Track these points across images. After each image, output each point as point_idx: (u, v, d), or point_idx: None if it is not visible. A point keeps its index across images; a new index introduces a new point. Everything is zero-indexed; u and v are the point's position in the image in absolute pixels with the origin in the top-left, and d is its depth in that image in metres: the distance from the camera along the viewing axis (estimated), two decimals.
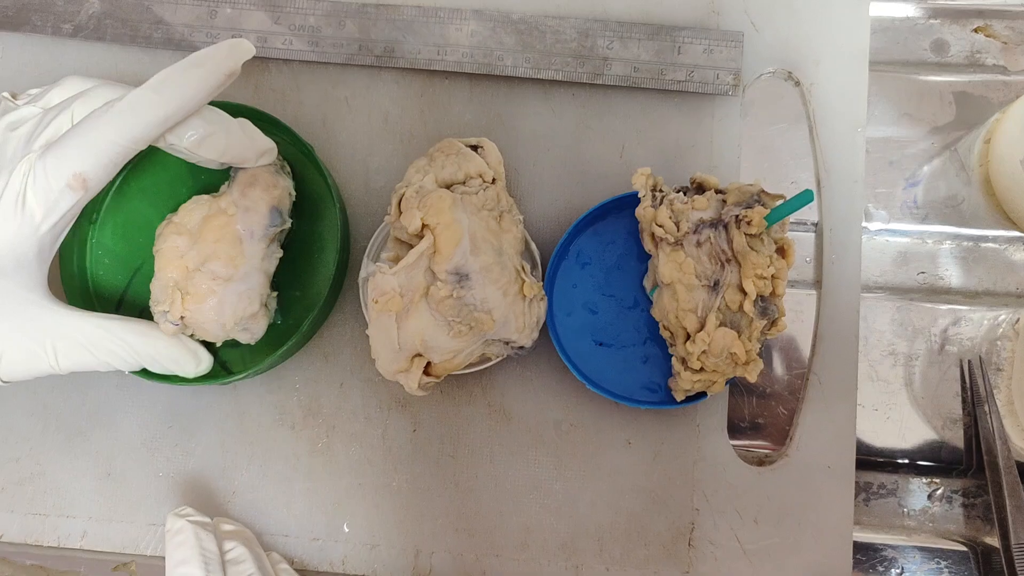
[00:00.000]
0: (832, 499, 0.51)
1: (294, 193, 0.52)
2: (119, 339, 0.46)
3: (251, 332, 0.50)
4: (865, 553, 0.52)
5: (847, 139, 0.53)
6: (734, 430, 0.54)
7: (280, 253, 0.51)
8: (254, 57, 0.55)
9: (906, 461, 0.54)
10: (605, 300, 0.52)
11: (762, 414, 0.54)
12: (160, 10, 0.56)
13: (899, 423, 0.54)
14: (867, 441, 0.54)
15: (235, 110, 0.54)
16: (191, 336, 0.50)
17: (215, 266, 0.48)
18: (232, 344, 0.51)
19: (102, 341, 0.46)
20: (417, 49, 0.54)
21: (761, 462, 0.52)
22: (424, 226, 0.47)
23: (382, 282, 0.47)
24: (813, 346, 0.52)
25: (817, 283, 0.53)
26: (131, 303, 0.54)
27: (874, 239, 0.56)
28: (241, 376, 0.50)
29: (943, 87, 0.57)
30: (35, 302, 0.45)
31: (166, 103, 0.43)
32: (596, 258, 0.53)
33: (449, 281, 0.46)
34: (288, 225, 0.51)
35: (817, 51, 0.54)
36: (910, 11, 0.58)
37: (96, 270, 0.54)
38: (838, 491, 0.51)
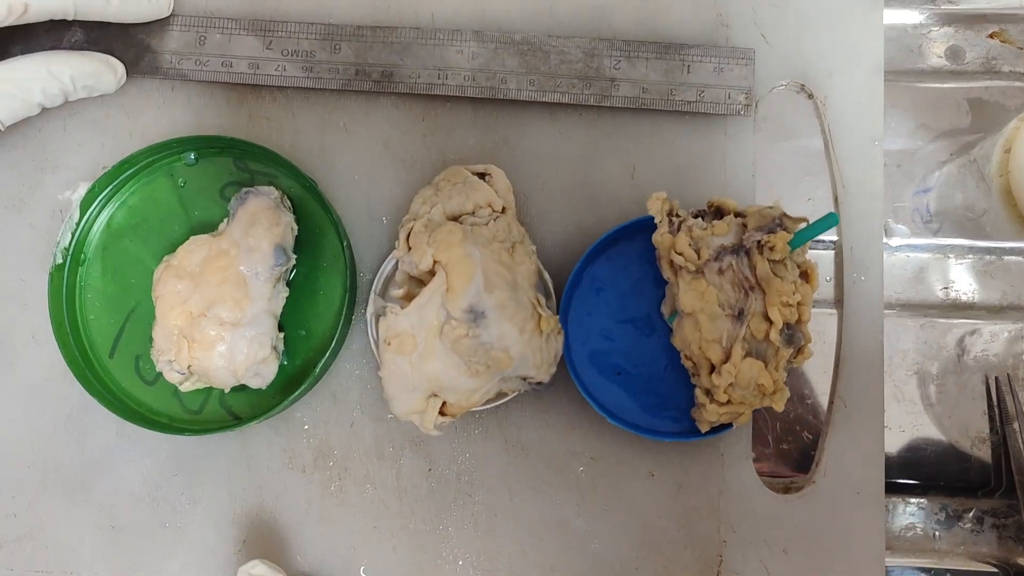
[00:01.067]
0: (862, 525, 0.49)
1: (296, 228, 0.50)
2: (41, 71, 0.49)
3: (262, 377, 0.48)
4: None
5: (864, 153, 0.52)
6: (757, 457, 0.53)
7: (286, 292, 0.49)
8: (246, 85, 0.53)
9: (934, 482, 0.53)
10: (621, 327, 0.51)
11: (785, 440, 0.53)
12: (146, 37, 0.53)
13: (926, 443, 0.53)
14: (894, 463, 0.53)
15: (228, 144, 0.52)
16: (196, 382, 0.49)
17: (221, 311, 0.46)
18: (238, 388, 0.49)
19: (25, 80, 0.48)
20: (416, 73, 0.52)
21: (787, 489, 0.51)
22: (435, 262, 0.45)
23: (395, 323, 0.45)
24: (836, 368, 0.51)
25: (838, 303, 0.52)
26: (126, 348, 0.52)
27: (895, 255, 0.54)
28: (249, 423, 0.48)
29: (958, 94, 0.55)
30: None
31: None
32: (610, 284, 0.51)
33: (464, 320, 0.45)
34: (293, 262, 0.49)
35: (830, 62, 0.52)
36: (922, 18, 0.56)
37: (87, 314, 0.52)
38: (868, 516, 0.49)
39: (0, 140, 0.54)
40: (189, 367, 0.46)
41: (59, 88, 0.50)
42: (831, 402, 0.51)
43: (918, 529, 0.53)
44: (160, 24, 0.53)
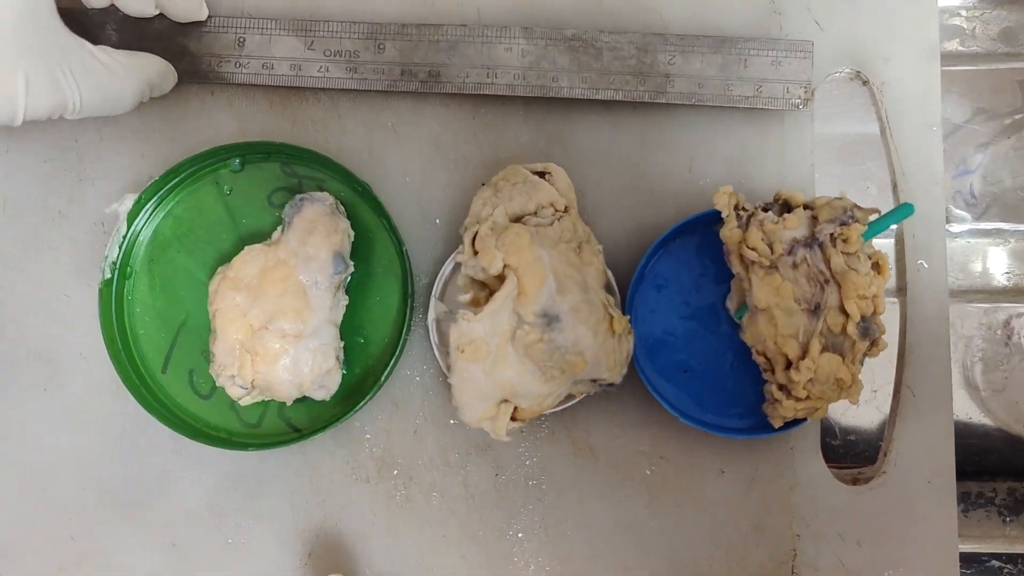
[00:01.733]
0: (934, 514, 0.49)
1: (352, 234, 0.49)
2: (125, 65, 0.46)
3: (327, 389, 0.47)
4: (970, 565, 0.51)
5: (922, 139, 0.51)
6: (824, 449, 0.53)
7: (346, 300, 0.48)
8: (289, 87, 0.52)
9: (1002, 468, 0.53)
10: (685, 323, 0.50)
11: (853, 431, 0.53)
12: (183, 40, 0.51)
13: (993, 430, 0.53)
14: (961, 450, 0.53)
15: (275, 149, 0.50)
16: (257, 396, 0.47)
17: (283, 323, 0.45)
18: (299, 399, 0.48)
19: (110, 65, 0.45)
20: (465, 72, 0.51)
21: (855, 480, 0.50)
22: (505, 266, 0.44)
23: (468, 330, 0.44)
24: (901, 357, 0.51)
25: (900, 291, 0.51)
26: (179, 362, 0.50)
27: (955, 241, 0.54)
28: (312, 436, 0.47)
29: (1009, 75, 0.55)
30: (52, 26, 0.43)
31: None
32: (672, 280, 0.50)
33: (537, 324, 0.44)
34: (352, 270, 0.48)
35: (886, 48, 0.52)
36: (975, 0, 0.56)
37: (137, 329, 0.50)
38: (940, 505, 0.49)
39: (35, 152, 0.52)
40: (252, 382, 0.45)
41: (147, 84, 0.47)
42: (897, 391, 0.50)
43: (988, 515, 0.53)
44: (197, 26, 0.51)
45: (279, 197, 0.51)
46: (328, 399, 0.48)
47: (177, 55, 0.51)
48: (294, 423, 0.50)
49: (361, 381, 0.50)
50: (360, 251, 0.50)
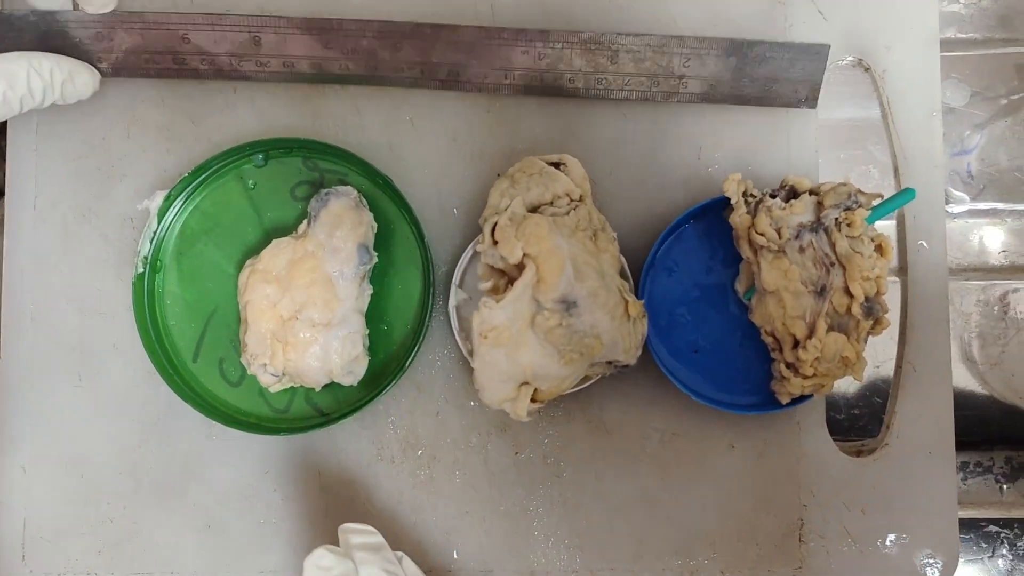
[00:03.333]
0: (935, 482, 0.52)
1: (375, 225, 0.50)
2: (23, 63, 0.47)
3: (354, 375, 0.49)
4: (968, 530, 0.54)
5: (923, 124, 0.53)
6: (829, 423, 0.55)
7: (371, 290, 0.50)
8: (311, 83, 0.54)
9: (1000, 438, 0.56)
10: (695, 306, 0.52)
11: (857, 405, 0.55)
12: (199, 40, 0.53)
13: (991, 401, 0.55)
14: (960, 421, 0.55)
15: (298, 144, 0.52)
16: (287, 382, 0.49)
17: (312, 312, 0.47)
18: (326, 385, 0.50)
19: (11, 72, 0.47)
20: (483, 73, 0.52)
21: (859, 452, 0.53)
22: (525, 255, 0.46)
23: (490, 316, 0.46)
24: (903, 334, 0.53)
25: (902, 271, 0.53)
26: (209, 352, 0.52)
27: (954, 221, 0.56)
28: (339, 421, 0.50)
29: (1006, 59, 0.57)
30: None
31: None
32: (682, 264, 0.52)
33: (556, 309, 0.46)
34: (376, 261, 0.50)
35: (887, 36, 0.53)
36: None
37: (168, 320, 0.52)
38: (940, 474, 0.52)
39: (65, 150, 0.54)
40: (283, 369, 0.47)
41: (40, 85, 0.49)
42: (899, 367, 0.53)
43: (985, 483, 0.55)
44: (207, 21, 0.52)
45: (302, 191, 0.53)
46: (355, 384, 0.50)
47: (196, 55, 0.53)
48: (321, 408, 0.52)
49: (385, 366, 0.52)
50: (382, 241, 0.52)
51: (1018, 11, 0.57)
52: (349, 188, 0.50)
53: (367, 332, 0.50)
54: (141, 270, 0.51)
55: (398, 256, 0.53)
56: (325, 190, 0.49)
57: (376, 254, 0.50)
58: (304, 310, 0.47)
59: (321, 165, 0.53)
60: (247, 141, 0.52)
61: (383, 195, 0.52)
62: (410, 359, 0.50)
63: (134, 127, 0.54)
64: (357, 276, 0.48)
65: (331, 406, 0.52)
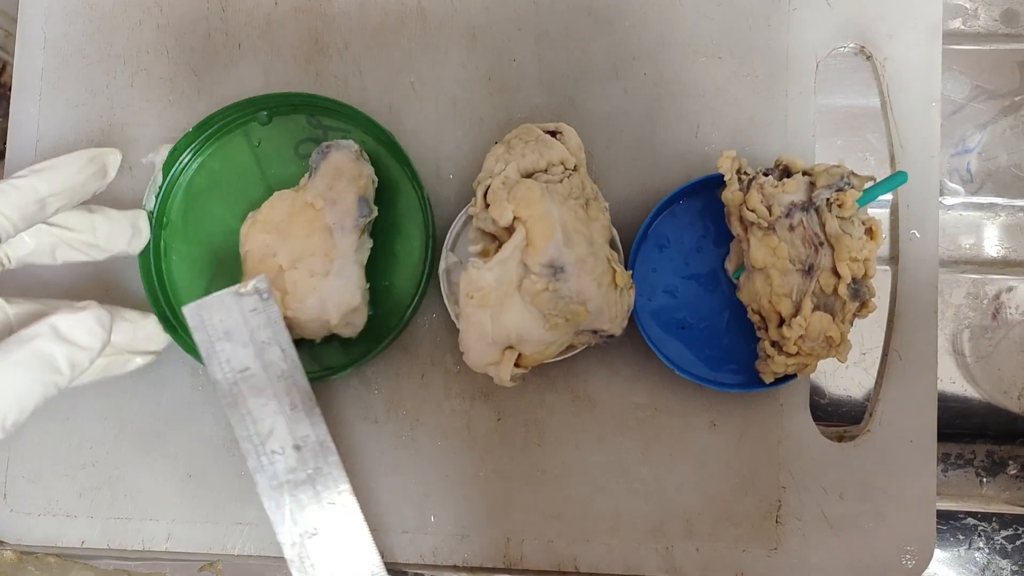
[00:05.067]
0: (915, 472, 0.52)
1: (376, 180, 0.51)
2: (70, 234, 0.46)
3: (353, 327, 0.49)
4: (946, 522, 0.54)
5: (921, 113, 0.53)
6: (812, 408, 0.55)
7: (371, 243, 0.50)
8: (314, 43, 0.54)
9: (982, 432, 0.55)
10: (685, 283, 0.52)
11: (841, 391, 0.55)
12: None
13: (976, 395, 0.55)
14: (944, 413, 0.55)
15: (303, 100, 0.52)
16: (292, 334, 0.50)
17: (311, 263, 0.47)
18: (327, 339, 0.51)
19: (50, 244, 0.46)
20: None
21: (841, 438, 0.53)
22: (515, 219, 0.47)
23: (477, 277, 0.46)
24: (890, 322, 0.53)
25: (892, 259, 0.54)
26: None
27: (948, 213, 0.56)
28: (341, 373, 0.50)
29: (1010, 56, 0.57)
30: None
31: (45, 183, 0.44)
32: (674, 240, 0.53)
33: (544, 274, 0.46)
34: (375, 214, 0.50)
35: (890, 24, 0.53)
36: None
37: (173, 276, 0.53)
38: (920, 464, 0.52)
39: (67, 97, 0.55)
40: (285, 318, 0.47)
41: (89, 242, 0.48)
42: (885, 355, 0.53)
43: (966, 475, 0.55)
44: None
45: (305, 148, 0.53)
46: (355, 336, 0.50)
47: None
48: (323, 361, 0.52)
49: (385, 321, 0.52)
50: (384, 199, 0.52)
51: (1023, 6, 0.57)
52: (350, 141, 0.50)
53: (367, 286, 0.50)
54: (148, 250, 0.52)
55: (401, 214, 0.53)
56: (326, 143, 0.49)
57: (376, 208, 0.50)
58: (302, 260, 0.47)
59: (325, 122, 0.53)
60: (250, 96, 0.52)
61: (386, 153, 0.53)
62: (409, 312, 0.50)
63: (138, 76, 0.55)
64: (356, 228, 0.49)
65: (332, 359, 0.52)
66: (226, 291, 0.45)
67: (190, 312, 0.45)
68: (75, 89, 0.55)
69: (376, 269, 0.52)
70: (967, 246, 0.56)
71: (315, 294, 0.47)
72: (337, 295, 0.48)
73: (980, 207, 0.57)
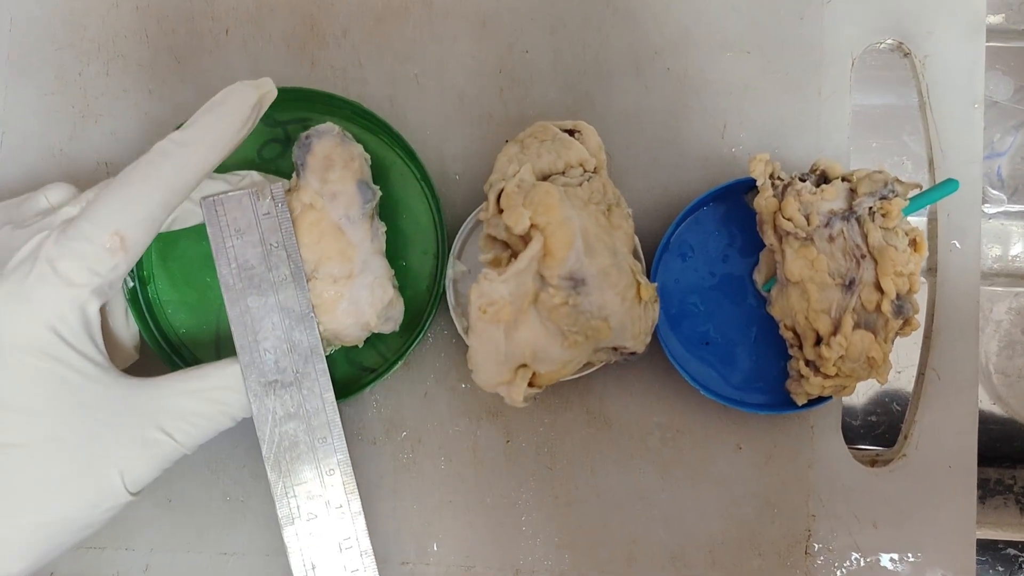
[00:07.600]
0: (953, 499, 0.48)
1: (369, 157, 0.46)
2: (222, 388, 0.42)
3: (394, 320, 0.45)
4: (985, 552, 0.51)
5: (963, 115, 0.50)
6: (843, 429, 0.52)
7: (384, 227, 0.46)
8: (309, 29, 0.50)
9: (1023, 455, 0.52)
10: (709, 295, 0.49)
11: (874, 412, 0.52)
12: None
13: (1016, 417, 0.52)
14: (982, 435, 0.52)
15: (289, 93, 0.48)
16: (329, 348, 0.45)
17: (330, 268, 0.43)
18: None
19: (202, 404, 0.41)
20: None
21: (874, 462, 0.49)
22: (532, 226, 0.42)
23: (491, 290, 0.42)
24: (927, 338, 0.49)
25: (931, 271, 0.50)
26: (229, 341, 0.47)
27: (989, 222, 0.53)
28: (387, 372, 0.47)
29: None
30: (120, 384, 0.39)
31: (196, 145, 0.39)
32: (698, 249, 0.49)
33: (563, 287, 0.42)
34: (380, 194, 0.45)
35: (930, 20, 0.50)
36: None
37: (178, 327, 0.48)
38: (959, 491, 0.48)
39: (37, 85, 0.50)
40: (321, 336, 0.43)
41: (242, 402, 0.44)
42: (921, 373, 0.49)
43: (1006, 502, 0.52)
44: None
45: (270, 150, 0.49)
46: (397, 329, 0.46)
47: None
48: (364, 364, 0.48)
49: (414, 304, 0.48)
50: (379, 177, 0.48)
51: None
52: (329, 125, 0.45)
53: (393, 273, 0.46)
54: (132, 284, 0.47)
55: (397, 188, 0.49)
56: (304, 133, 0.44)
57: (378, 188, 0.46)
58: (320, 267, 0.43)
59: (278, 117, 0.48)
60: None
61: (359, 129, 0.48)
62: (437, 287, 0.47)
63: (114, 63, 0.50)
64: (365, 216, 0.44)
65: (374, 360, 0.48)
66: (244, 191, 0.43)
67: (208, 206, 0.43)
68: (44, 77, 0.50)
69: (390, 251, 0.47)
70: (1010, 257, 0.53)
71: (344, 300, 0.43)
72: (368, 293, 0.43)
73: (1017, 216, 0.53)
